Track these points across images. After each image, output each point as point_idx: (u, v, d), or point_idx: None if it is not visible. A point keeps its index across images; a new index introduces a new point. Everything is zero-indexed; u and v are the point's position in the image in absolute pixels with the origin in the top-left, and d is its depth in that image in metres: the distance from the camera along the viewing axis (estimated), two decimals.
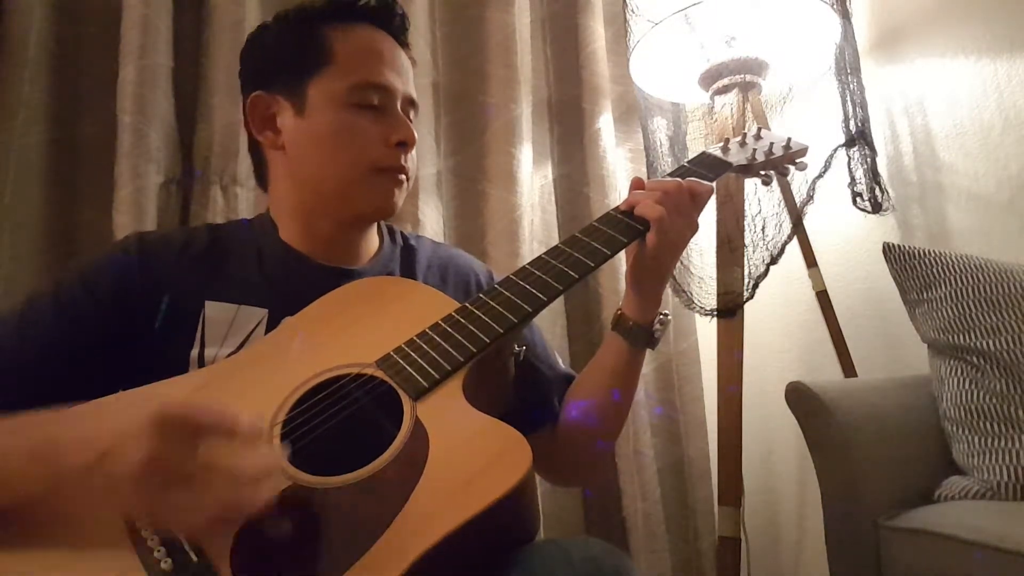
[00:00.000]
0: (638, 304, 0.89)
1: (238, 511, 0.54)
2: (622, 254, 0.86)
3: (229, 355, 0.79)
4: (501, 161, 1.64)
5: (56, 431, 0.58)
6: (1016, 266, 1.19)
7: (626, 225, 0.84)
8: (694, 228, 0.86)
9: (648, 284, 0.88)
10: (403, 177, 0.89)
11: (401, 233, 1.02)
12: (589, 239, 0.83)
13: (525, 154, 1.67)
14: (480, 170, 1.65)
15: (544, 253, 0.83)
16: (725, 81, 1.55)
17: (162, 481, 0.53)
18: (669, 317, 0.93)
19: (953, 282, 1.19)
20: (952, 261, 1.21)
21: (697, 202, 0.87)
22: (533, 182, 1.71)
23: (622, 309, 0.90)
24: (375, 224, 0.97)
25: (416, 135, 0.90)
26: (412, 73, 0.94)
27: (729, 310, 1.50)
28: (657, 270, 0.87)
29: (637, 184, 0.89)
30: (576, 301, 1.72)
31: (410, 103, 0.92)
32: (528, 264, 0.82)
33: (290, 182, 0.91)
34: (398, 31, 0.94)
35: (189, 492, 0.53)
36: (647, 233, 0.83)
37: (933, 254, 1.23)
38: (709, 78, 1.57)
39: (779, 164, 1.00)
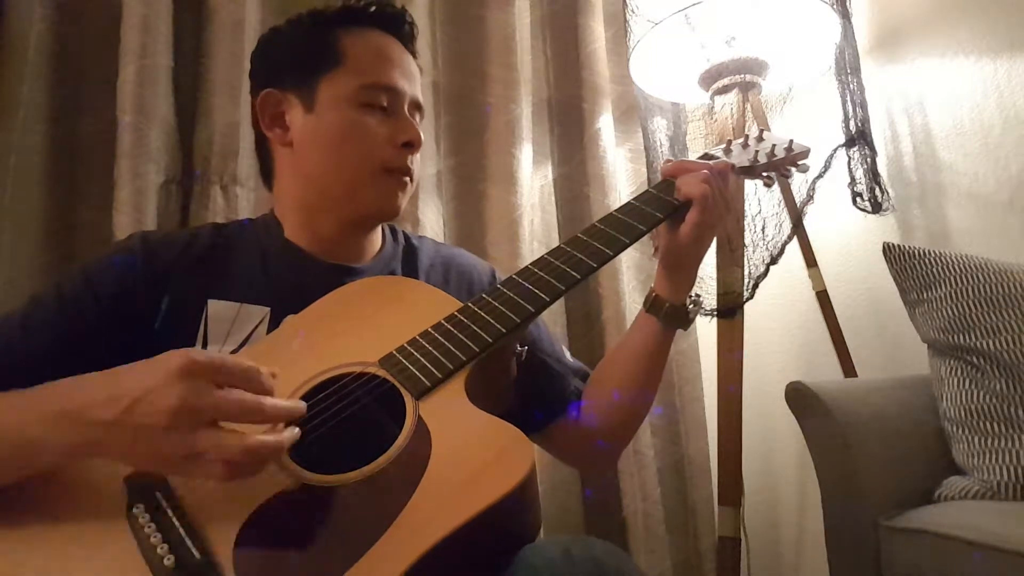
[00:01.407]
0: (673, 285, 0.92)
1: (264, 453, 0.57)
2: (622, 256, 0.87)
3: (231, 353, 0.79)
4: (501, 161, 1.64)
5: (76, 390, 0.60)
6: (1016, 266, 1.19)
7: (655, 208, 0.87)
8: (731, 207, 0.90)
9: (685, 264, 0.92)
10: (407, 179, 0.91)
11: (404, 233, 1.02)
12: (590, 239, 0.83)
13: (525, 154, 1.67)
14: (480, 170, 1.65)
15: (547, 253, 0.83)
16: (725, 81, 1.55)
17: (191, 425, 0.56)
18: (701, 298, 0.96)
19: (953, 282, 1.19)
20: (952, 261, 1.21)
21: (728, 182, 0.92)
22: (533, 182, 1.71)
23: (656, 291, 0.93)
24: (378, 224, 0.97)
25: (423, 137, 0.91)
26: (419, 80, 0.96)
27: (729, 310, 1.50)
28: (696, 248, 0.90)
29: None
30: (576, 301, 1.72)
31: (416, 107, 0.94)
32: (530, 264, 0.82)
33: (296, 179, 0.92)
34: (407, 39, 0.96)
35: (218, 432, 0.56)
36: (688, 212, 0.87)
37: (933, 254, 1.23)
38: (709, 78, 1.57)
39: (781, 166, 1.01)
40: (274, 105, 0.92)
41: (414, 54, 0.97)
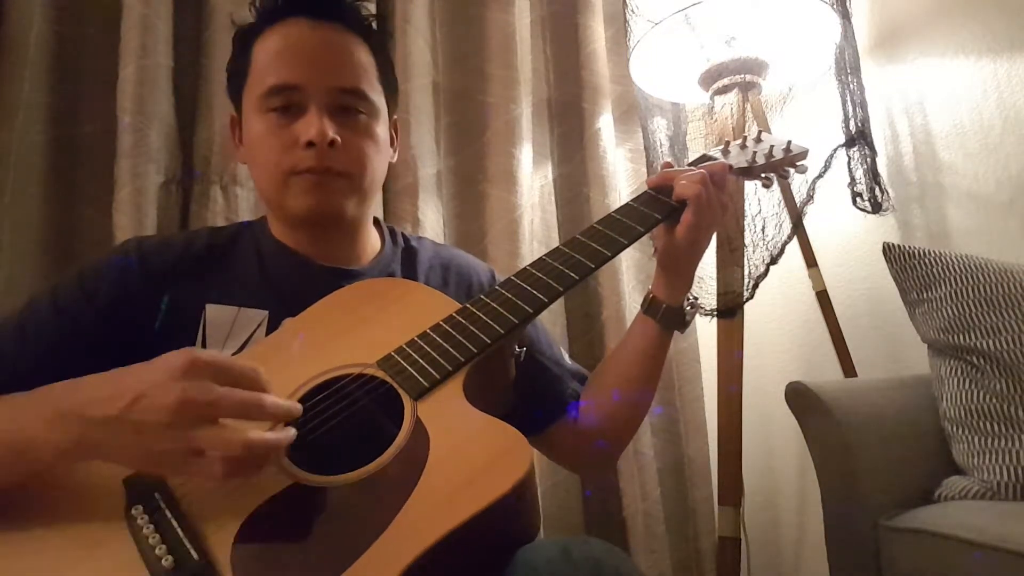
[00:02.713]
0: (671, 287, 0.92)
1: (264, 450, 0.57)
2: (622, 256, 0.87)
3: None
4: (501, 161, 1.64)
5: (77, 389, 0.61)
6: (1016, 266, 1.19)
7: (653, 210, 0.87)
8: (727, 208, 0.91)
9: (682, 266, 0.92)
10: (328, 176, 0.85)
11: (403, 234, 1.02)
12: (588, 241, 0.83)
13: (525, 154, 1.67)
14: (480, 170, 1.65)
15: (545, 255, 0.83)
16: (725, 81, 1.55)
17: (192, 421, 0.56)
18: (698, 300, 0.96)
19: (953, 282, 1.19)
20: (952, 261, 1.21)
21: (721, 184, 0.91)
22: (533, 182, 1.71)
23: (653, 292, 0.94)
24: (371, 224, 0.97)
25: (328, 131, 0.83)
26: (356, 58, 0.88)
27: (729, 310, 1.50)
28: (692, 251, 0.90)
29: (666, 167, 0.94)
30: (576, 301, 1.72)
31: (346, 93, 0.86)
32: (528, 265, 0.82)
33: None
34: (334, 14, 0.88)
35: (218, 430, 0.56)
36: (683, 213, 0.86)
37: (933, 254, 1.23)
38: (709, 78, 1.57)
39: (779, 167, 1.01)
40: (235, 125, 0.95)
41: (361, 28, 0.90)
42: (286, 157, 0.85)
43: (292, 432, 0.61)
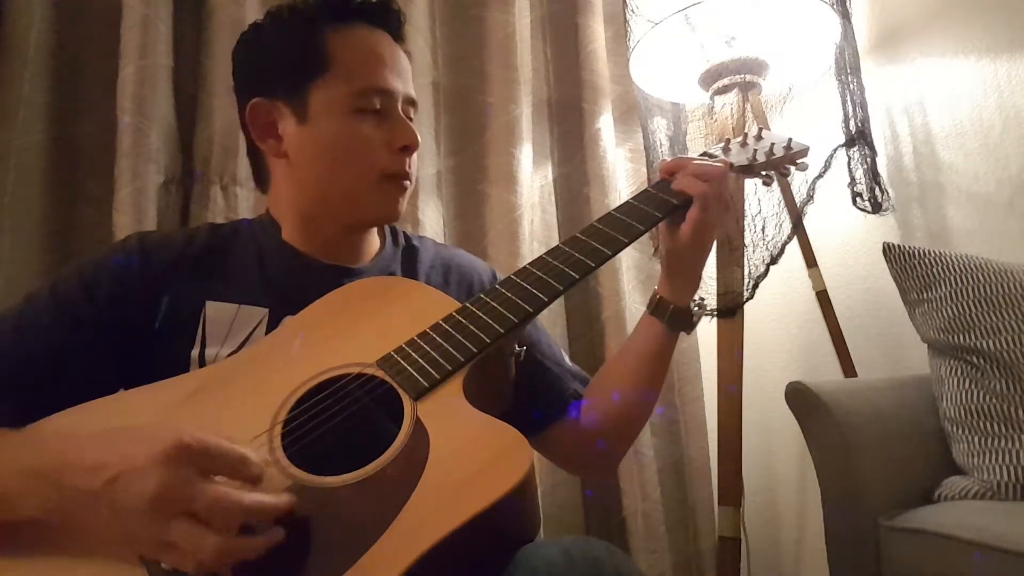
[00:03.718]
0: (677, 287, 0.92)
1: (239, 553, 0.54)
2: (622, 256, 0.86)
3: (230, 355, 0.79)
4: (501, 161, 1.64)
5: (62, 449, 0.58)
6: (1016, 266, 1.19)
7: (654, 208, 0.87)
8: (728, 207, 0.90)
9: (689, 266, 0.91)
10: (407, 183, 0.89)
11: (404, 233, 1.02)
12: (589, 239, 0.83)
13: (525, 154, 1.67)
14: (480, 170, 1.65)
15: (545, 253, 0.83)
16: (725, 81, 1.55)
17: (167, 514, 0.53)
18: (705, 301, 0.96)
19: (953, 282, 1.19)
20: (952, 261, 1.21)
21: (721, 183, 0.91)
22: (533, 182, 1.71)
23: (660, 294, 0.93)
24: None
25: (419, 137, 0.89)
26: (411, 70, 0.93)
27: (729, 310, 1.50)
28: (698, 248, 0.89)
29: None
30: (576, 301, 1.72)
31: (410, 103, 0.91)
32: (528, 264, 0.82)
33: (294, 187, 0.90)
34: (395, 29, 0.92)
35: (193, 529, 0.53)
36: (687, 211, 0.86)
37: (933, 254, 1.23)
38: (709, 78, 1.57)
39: (780, 165, 1.00)
40: (264, 115, 0.89)
41: (402, 42, 0.94)
42: (376, 159, 0.86)
43: (276, 534, 0.56)
